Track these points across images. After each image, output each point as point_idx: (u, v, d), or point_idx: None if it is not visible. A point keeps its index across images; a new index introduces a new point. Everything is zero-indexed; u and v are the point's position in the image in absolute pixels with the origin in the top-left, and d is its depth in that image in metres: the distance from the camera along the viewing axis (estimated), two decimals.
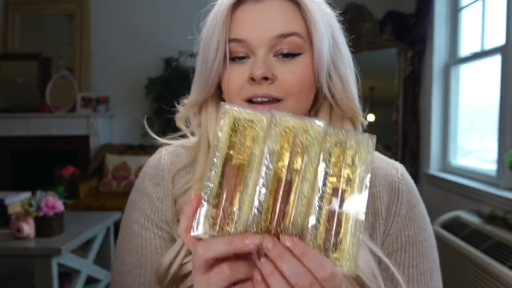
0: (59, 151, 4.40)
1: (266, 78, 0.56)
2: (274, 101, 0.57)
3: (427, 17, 2.95)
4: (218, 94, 0.64)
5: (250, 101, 0.58)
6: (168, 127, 0.79)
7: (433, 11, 2.98)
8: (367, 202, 0.52)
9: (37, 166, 4.56)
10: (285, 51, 0.57)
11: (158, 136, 0.71)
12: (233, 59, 0.59)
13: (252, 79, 0.56)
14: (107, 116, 4.38)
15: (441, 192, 2.83)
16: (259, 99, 0.57)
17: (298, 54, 0.57)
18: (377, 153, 0.68)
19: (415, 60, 3.24)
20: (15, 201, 2.09)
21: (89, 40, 4.37)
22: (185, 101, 0.67)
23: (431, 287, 0.62)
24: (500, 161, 2.33)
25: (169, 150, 0.69)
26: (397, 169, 0.65)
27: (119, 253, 0.66)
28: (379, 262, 0.59)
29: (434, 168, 3.11)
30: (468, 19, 2.90)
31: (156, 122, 4.21)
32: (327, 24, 0.58)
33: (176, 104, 0.69)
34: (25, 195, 2.10)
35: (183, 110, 0.67)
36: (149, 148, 4.15)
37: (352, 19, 3.69)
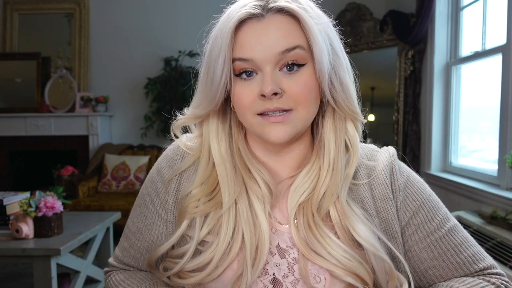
0: (58, 151, 4.39)
1: (275, 93, 0.59)
2: (285, 112, 0.61)
3: (428, 16, 2.94)
4: (219, 107, 0.67)
5: (262, 113, 0.62)
6: (168, 127, 0.79)
7: (434, 10, 2.97)
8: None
9: (36, 166, 4.55)
10: (290, 62, 0.60)
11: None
12: (239, 75, 0.62)
13: (263, 95, 0.60)
14: (107, 116, 4.37)
15: (442, 193, 2.82)
16: (271, 113, 0.61)
17: (302, 65, 0.61)
18: (372, 146, 0.75)
19: (415, 59, 3.23)
20: (14, 201, 2.08)
21: (88, 39, 4.36)
22: (187, 111, 0.71)
23: (451, 228, 0.70)
24: (501, 161, 2.32)
25: (185, 144, 0.74)
26: (388, 151, 0.73)
27: (133, 211, 0.77)
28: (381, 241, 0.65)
29: (435, 168, 3.10)
30: (469, 18, 2.89)
31: (156, 122, 4.20)
32: (325, 34, 0.61)
33: (176, 109, 0.73)
34: (24, 196, 2.09)
35: (184, 120, 0.72)
36: (149, 148, 4.14)
37: (353, 18, 3.68)
